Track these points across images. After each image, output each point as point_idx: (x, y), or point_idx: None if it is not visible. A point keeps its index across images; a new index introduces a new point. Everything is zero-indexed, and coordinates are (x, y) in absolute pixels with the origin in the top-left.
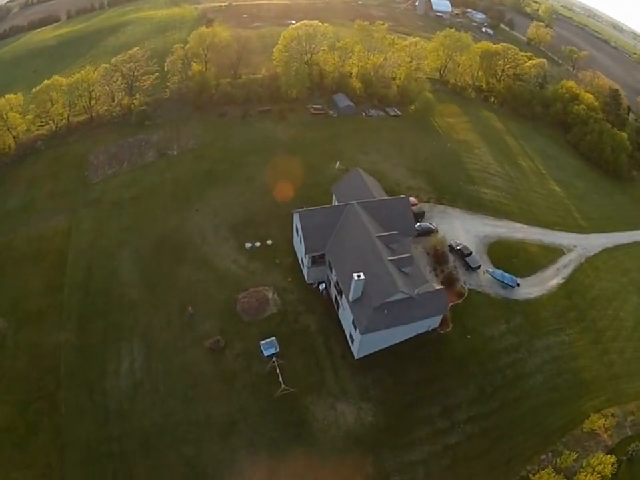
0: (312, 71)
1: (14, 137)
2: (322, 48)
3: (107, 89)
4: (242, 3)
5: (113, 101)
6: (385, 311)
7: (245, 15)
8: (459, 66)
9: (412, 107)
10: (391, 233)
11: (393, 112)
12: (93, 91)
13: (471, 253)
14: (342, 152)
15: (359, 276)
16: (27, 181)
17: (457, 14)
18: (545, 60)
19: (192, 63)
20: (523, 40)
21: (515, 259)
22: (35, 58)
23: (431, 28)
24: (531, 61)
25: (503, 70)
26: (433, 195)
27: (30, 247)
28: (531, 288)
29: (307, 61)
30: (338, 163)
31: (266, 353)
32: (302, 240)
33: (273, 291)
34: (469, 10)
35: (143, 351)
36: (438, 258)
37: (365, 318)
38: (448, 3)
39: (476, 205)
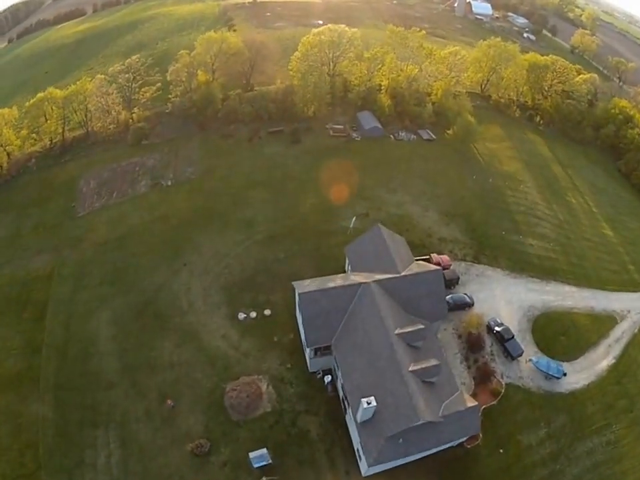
0: (334, 83)
1: (8, 154)
2: (348, 55)
3: (102, 102)
4: None
5: (109, 115)
6: (401, 439)
7: (268, 14)
8: (502, 80)
9: (449, 132)
10: (415, 328)
11: (427, 135)
12: (88, 103)
13: (512, 337)
14: (364, 189)
15: (368, 402)
16: (16, 207)
17: (497, 17)
18: (595, 75)
19: (198, 72)
20: (566, 48)
21: (562, 337)
22: (51, 57)
23: (470, 32)
24: (581, 76)
25: (550, 85)
26: (471, 250)
27: (12, 291)
28: (578, 375)
29: (330, 71)
30: (354, 219)
31: (256, 465)
32: (303, 328)
33: (267, 381)
34: (510, 14)
35: (119, 445)
36: (472, 344)
37: (375, 447)
38: (489, 5)
39: (521, 263)
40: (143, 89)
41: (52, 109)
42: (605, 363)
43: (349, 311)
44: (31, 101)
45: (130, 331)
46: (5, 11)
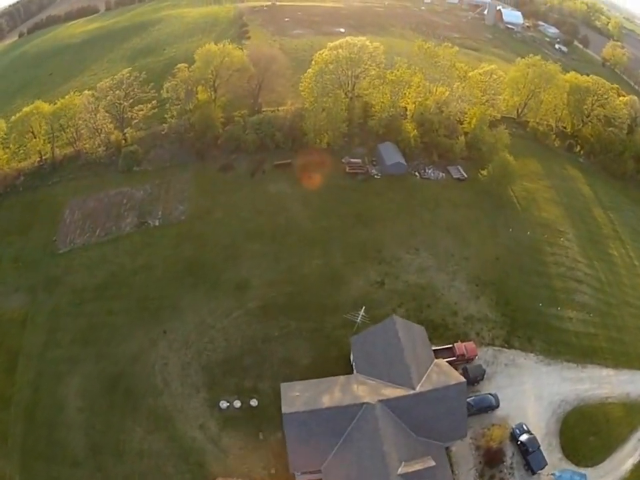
0: (353, 107)
1: None
2: (369, 73)
3: (91, 121)
4: (287, 3)
5: (99, 135)
6: None
7: (286, 19)
8: (541, 103)
9: (484, 173)
10: (424, 466)
11: (458, 173)
12: (78, 120)
13: (538, 448)
14: (381, 247)
15: None
16: None
17: (528, 26)
18: (635, 98)
19: (197, 89)
20: (597, 61)
21: (592, 437)
22: (57, 57)
23: (502, 43)
24: (621, 98)
25: (590, 109)
26: (502, 330)
27: None
28: None
29: (347, 93)
30: (362, 311)
31: None
32: (288, 449)
33: None
34: (541, 23)
35: None
36: (490, 458)
37: None
38: (519, 14)
39: (557, 344)
40: (136, 107)
41: (39, 124)
42: (630, 462)
43: (344, 435)
44: (17, 115)
45: (99, 406)
46: (17, 3)
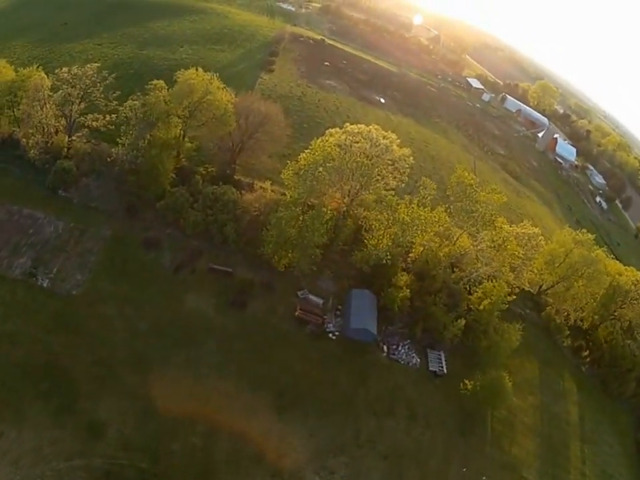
0: (339, 227)
1: None
2: (375, 186)
3: (36, 113)
4: (339, 44)
5: (43, 132)
6: None
7: (326, 63)
8: (569, 289)
9: (468, 385)
10: None
11: (436, 364)
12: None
13: None
14: (284, 456)
15: None
16: None
17: (576, 166)
18: None
19: (159, 122)
20: (632, 229)
21: None
22: (80, 6)
23: (544, 176)
24: None
25: (615, 309)
26: None
27: None
28: None
29: (342, 203)
30: None
31: None
32: None
33: None
34: (590, 167)
35: None
36: None
37: None
38: (574, 150)
39: None
40: (91, 115)
41: None
42: None
43: None
44: None
45: None
46: None
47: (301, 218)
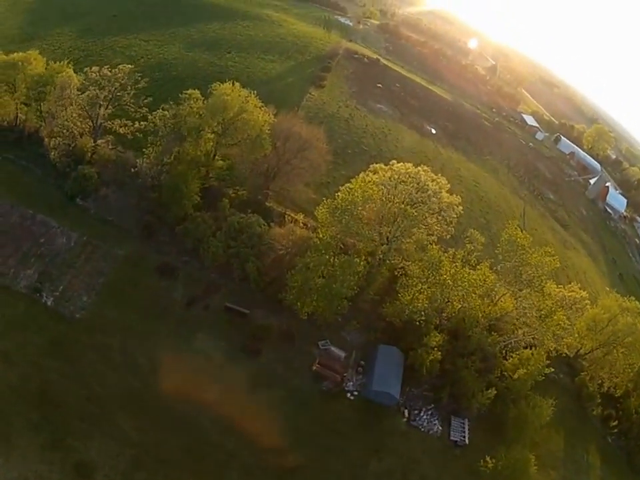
0: (375, 273)
1: None
2: (414, 235)
3: (60, 113)
4: (394, 66)
5: (67, 132)
6: None
7: (379, 85)
8: (605, 355)
9: (488, 464)
10: None
11: (459, 433)
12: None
13: None
14: None
15: None
16: None
17: (625, 217)
18: None
19: (187, 136)
20: None
21: None
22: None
23: (593, 226)
24: None
25: None
26: None
27: None
28: None
29: (376, 246)
30: None
31: None
32: None
33: None
34: (639, 219)
35: None
36: None
37: None
38: (624, 202)
39: None
40: (119, 121)
41: (23, 81)
42: None
43: None
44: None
45: None
46: None
47: (330, 264)
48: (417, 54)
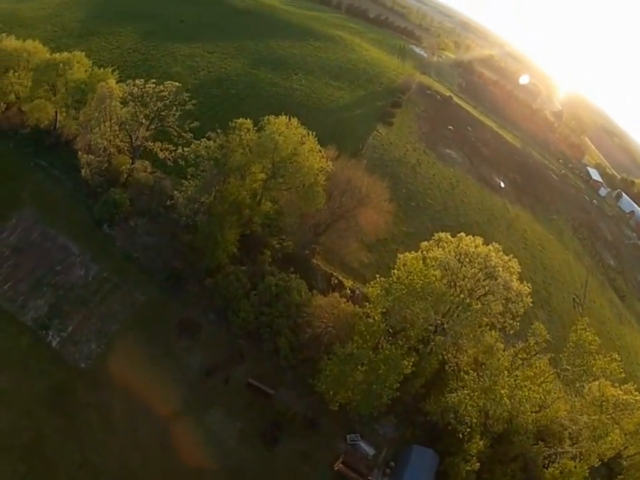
0: (419, 363)
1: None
2: (470, 319)
3: (97, 126)
4: (466, 105)
5: (101, 149)
6: None
7: (450, 127)
8: None
9: None
10: None
11: None
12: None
13: None
14: None
15: None
16: None
17: None
18: None
19: (235, 174)
20: None
21: None
22: (205, 5)
23: None
24: None
25: None
26: None
27: None
28: None
29: (431, 343)
30: None
31: None
32: None
33: None
34: None
35: None
36: None
37: None
38: None
39: None
40: (159, 143)
41: (65, 86)
42: None
43: None
44: (53, 56)
45: None
46: None
47: (372, 358)
48: (489, 94)
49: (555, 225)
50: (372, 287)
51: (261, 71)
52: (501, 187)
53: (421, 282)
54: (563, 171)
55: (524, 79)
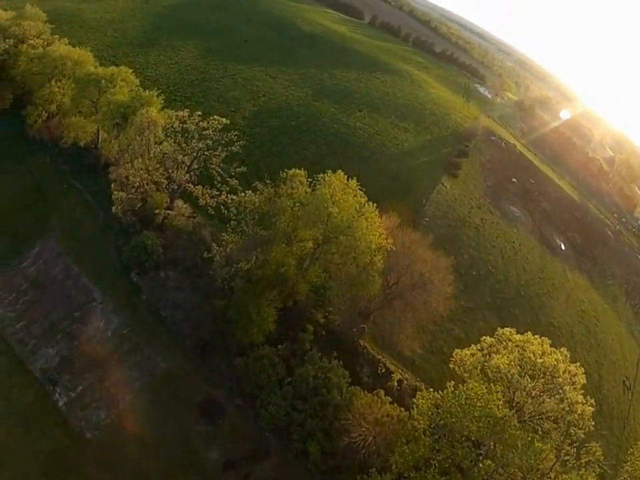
0: None
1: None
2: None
3: (133, 162)
4: (528, 153)
5: (133, 191)
6: None
7: (514, 179)
8: None
9: None
10: None
11: None
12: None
13: None
14: None
15: None
16: None
17: None
18: None
19: (280, 241)
20: None
21: None
22: (275, 26)
23: None
24: None
25: None
26: None
27: None
28: None
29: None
30: None
31: None
32: None
33: None
34: None
35: None
36: None
37: None
38: None
39: None
40: (200, 187)
41: (106, 105)
42: None
43: None
44: (99, 70)
45: None
46: None
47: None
48: (549, 139)
49: (610, 291)
50: (421, 400)
51: (324, 103)
52: (561, 249)
53: (480, 411)
54: (617, 227)
55: (565, 114)
